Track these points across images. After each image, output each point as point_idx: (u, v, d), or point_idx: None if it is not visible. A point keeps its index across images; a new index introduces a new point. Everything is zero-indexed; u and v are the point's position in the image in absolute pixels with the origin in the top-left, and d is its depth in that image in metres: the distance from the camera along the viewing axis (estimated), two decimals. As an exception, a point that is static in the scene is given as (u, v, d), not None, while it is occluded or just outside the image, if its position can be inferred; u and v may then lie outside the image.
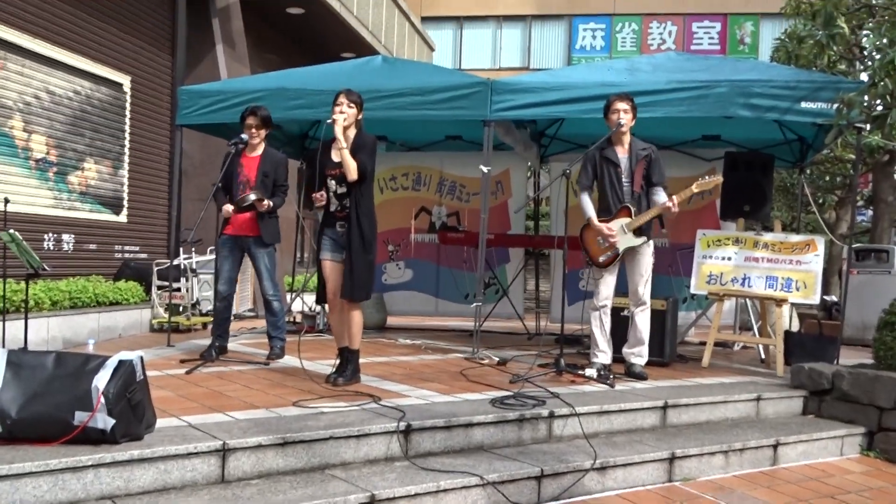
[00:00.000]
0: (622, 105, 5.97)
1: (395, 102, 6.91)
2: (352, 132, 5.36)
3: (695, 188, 6.00)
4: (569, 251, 6.17)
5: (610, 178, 6.05)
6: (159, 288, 9.12)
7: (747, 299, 7.64)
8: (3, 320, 6.61)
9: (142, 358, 3.91)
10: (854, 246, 9.61)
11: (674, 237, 8.72)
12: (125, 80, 10.11)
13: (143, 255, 10.39)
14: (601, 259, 6.06)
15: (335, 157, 5.34)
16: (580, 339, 7.57)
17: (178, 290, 9.14)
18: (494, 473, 4.03)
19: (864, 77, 8.27)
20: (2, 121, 8.29)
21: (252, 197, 6.20)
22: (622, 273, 6.16)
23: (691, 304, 8.65)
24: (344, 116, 5.28)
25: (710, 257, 7.04)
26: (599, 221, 6.01)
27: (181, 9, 10.96)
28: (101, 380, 3.69)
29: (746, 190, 7.35)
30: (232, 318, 6.97)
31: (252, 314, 10.91)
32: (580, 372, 5.82)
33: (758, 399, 5.59)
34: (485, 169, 6.83)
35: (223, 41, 11.75)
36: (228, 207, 6.30)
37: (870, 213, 13.04)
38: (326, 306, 5.67)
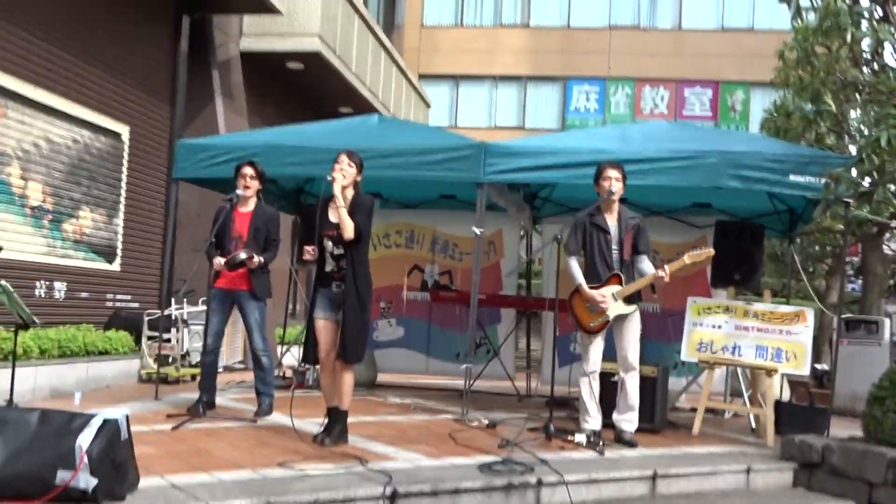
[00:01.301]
0: (614, 173, 6.02)
1: (391, 162, 6.95)
2: (350, 192, 5.38)
3: (686, 259, 6.02)
4: (560, 314, 6.17)
5: (599, 244, 6.07)
6: (149, 338, 9.05)
7: (737, 367, 7.61)
8: (-10, 369, 6.53)
9: (127, 417, 3.87)
10: (844, 316, 9.62)
11: (665, 302, 8.72)
12: (124, 130, 10.15)
13: (135, 305, 10.31)
14: (592, 325, 6.05)
15: (332, 217, 5.35)
16: (570, 403, 7.51)
17: (168, 340, 9.06)
18: (481, 543, 3.96)
19: (852, 149, 8.37)
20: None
21: (242, 255, 6.21)
22: (609, 338, 6.16)
23: (682, 370, 8.60)
24: (344, 175, 5.30)
25: (701, 325, 7.03)
26: (589, 288, 6.01)
27: (182, 61, 11.06)
28: (85, 438, 3.65)
29: (737, 258, 7.37)
30: (220, 370, 6.91)
31: (242, 366, 10.80)
32: (570, 438, 5.78)
33: (748, 471, 5.53)
34: (477, 231, 6.85)
35: (222, 93, 11.85)
36: (220, 260, 6.29)
37: (860, 281, 13.08)
38: (317, 366, 5.63)
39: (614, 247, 6.06)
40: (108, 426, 3.73)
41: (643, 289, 6.16)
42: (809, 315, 6.72)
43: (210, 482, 4.16)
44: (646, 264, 6.11)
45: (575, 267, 6.12)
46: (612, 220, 6.10)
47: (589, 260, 6.14)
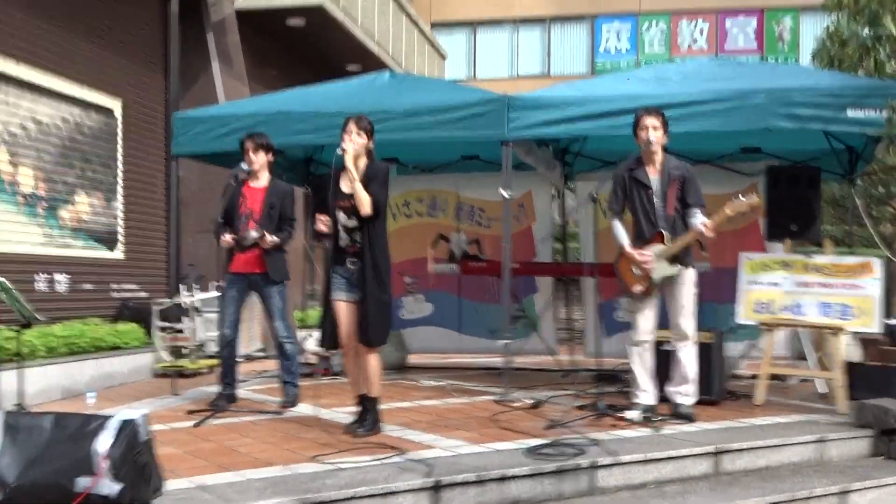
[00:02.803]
0: (652, 121, 5.96)
1: (406, 123, 6.95)
2: (362, 161, 5.39)
3: (728, 211, 5.92)
4: (601, 279, 6.15)
5: (641, 201, 6.04)
6: (161, 329, 9.16)
7: (801, 328, 7.58)
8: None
9: (146, 416, 3.93)
10: (914, 262, 9.51)
11: (716, 261, 8.66)
12: (116, 105, 10.21)
13: (143, 294, 10.44)
14: (637, 289, 6.04)
15: (345, 188, 5.37)
16: (620, 376, 7.54)
17: (181, 331, 9.17)
18: (533, 533, 4.01)
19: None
20: (-13, 155, 8.41)
21: (254, 234, 6.24)
22: (663, 303, 6.15)
23: (740, 334, 8.57)
24: (353, 146, 5.31)
25: (757, 283, 7.00)
26: (633, 248, 6.00)
27: (173, 25, 11.05)
28: (102, 442, 3.71)
29: (792, 207, 7.31)
30: (240, 360, 6.99)
31: (263, 354, 10.93)
32: (622, 414, 5.80)
33: (820, 441, 5.52)
34: (505, 194, 6.84)
35: (219, 58, 11.86)
36: (227, 237, 6.32)
37: (931, 223, 12.91)
38: (335, 350, 5.68)
39: (657, 202, 6.01)
40: (127, 427, 3.79)
41: (692, 246, 6.12)
42: (877, 265, 6.66)
43: (239, 482, 4.23)
44: (697, 218, 6.01)
45: (619, 227, 6.10)
46: (653, 173, 6.06)
47: (633, 218, 6.11)
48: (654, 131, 5.96)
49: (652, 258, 5.95)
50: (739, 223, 8.40)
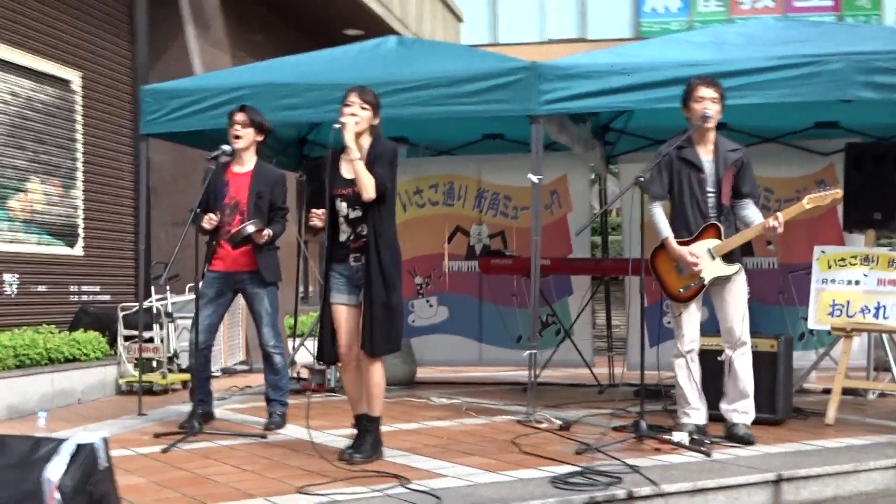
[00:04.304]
0: (708, 92, 5.96)
1: (417, 97, 6.97)
2: (366, 140, 5.41)
3: (806, 204, 5.96)
4: (648, 278, 6.16)
5: (691, 186, 6.04)
6: (127, 339, 9.22)
7: (883, 334, 7.55)
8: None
9: (105, 440, 3.96)
10: None
11: (784, 256, 8.65)
12: (74, 77, 10.28)
13: (106, 298, 10.51)
14: (681, 291, 6.05)
15: (346, 172, 5.39)
16: (667, 392, 7.52)
17: (151, 340, 9.23)
18: (559, 576, 4.02)
19: None
20: (-76, 136, 8.51)
21: (250, 228, 6.26)
22: (708, 303, 6.15)
23: (810, 342, 8.56)
24: (356, 120, 5.32)
25: (833, 281, 6.98)
26: (678, 244, 6.00)
27: (140, -19, 11.12)
28: (54, 470, 3.73)
29: (876, 192, 7.29)
30: (217, 373, 7.03)
31: (245, 368, 10.99)
32: (667, 437, 5.80)
33: (900, 466, 5.52)
34: (535, 178, 6.85)
35: (195, 22, 11.90)
36: (212, 216, 6.34)
37: None
38: (334, 364, 5.71)
39: (710, 189, 6.02)
40: (83, 453, 3.81)
41: (753, 241, 6.13)
42: (975, 261, 6.64)
43: (213, 516, 4.27)
44: (751, 210, 6.06)
45: (660, 216, 6.10)
46: (706, 154, 6.06)
47: (678, 207, 6.11)
48: (711, 104, 5.96)
49: (703, 256, 5.95)
50: (813, 212, 8.38)
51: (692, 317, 6.07)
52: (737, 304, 6.04)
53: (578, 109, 7.18)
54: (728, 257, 5.99)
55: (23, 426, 6.91)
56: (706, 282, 6.00)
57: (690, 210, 6.05)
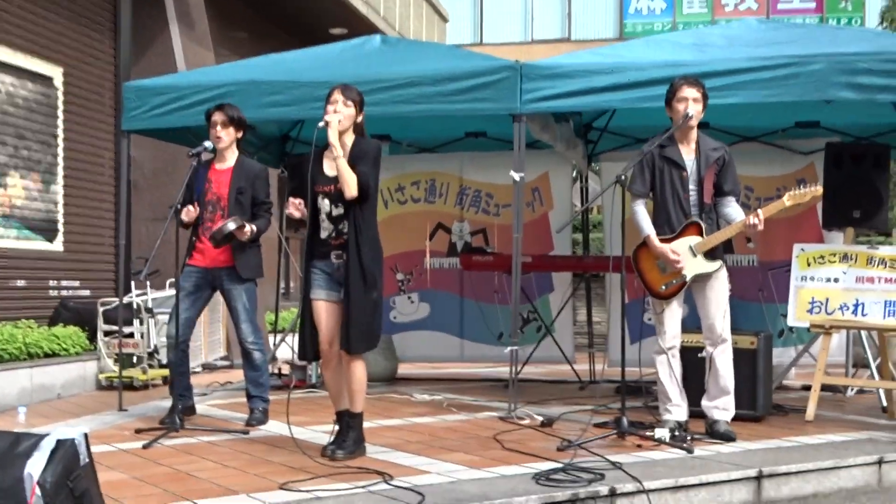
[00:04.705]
0: (691, 92, 5.97)
1: (400, 95, 6.97)
2: (349, 138, 5.40)
3: (787, 201, 6.00)
4: (628, 275, 6.18)
5: (672, 184, 6.06)
6: (107, 334, 9.17)
7: (862, 331, 7.59)
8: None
9: (86, 435, 3.92)
10: None
11: (764, 254, 8.68)
12: (56, 73, 10.20)
13: (86, 293, 10.44)
14: (662, 288, 6.07)
15: (329, 169, 5.37)
16: (648, 389, 7.54)
17: (131, 335, 9.18)
18: (542, 572, 4.01)
19: None
20: None
21: (231, 225, 6.21)
22: (691, 302, 6.15)
23: (790, 339, 8.60)
24: (339, 117, 5.31)
25: (812, 279, 7.01)
26: (660, 241, 6.01)
27: (124, -21, 11.06)
28: (35, 466, 3.70)
29: (855, 190, 7.35)
30: (198, 369, 6.99)
31: (226, 363, 10.94)
32: (648, 433, 5.80)
33: (880, 462, 5.54)
34: (516, 176, 6.85)
35: (179, 19, 11.85)
36: (191, 208, 6.29)
37: None
38: (315, 361, 5.69)
39: (692, 187, 6.05)
40: (64, 448, 3.78)
41: (733, 239, 6.15)
42: (953, 260, 6.67)
43: (195, 512, 4.24)
44: (733, 208, 6.10)
45: (642, 214, 6.12)
46: (688, 153, 6.08)
47: (660, 204, 6.13)
48: (694, 104, 5.98)
49: (684, 254, 5.96)
50: (793, 210, 8.42)
51: (674, 314, 6.09)
52: (718, 301, 6.06)
53: (561, 108, 7.21)
54: (709, 254, 6.01)
55: (2, 421, 6.85)
56: (688, 279, 6.02)
57: (672, 208, 6.06)
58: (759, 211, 5.94)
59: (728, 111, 7.28)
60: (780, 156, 8.82)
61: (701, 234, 6.00)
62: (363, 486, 4.65)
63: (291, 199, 5.37)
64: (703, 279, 6.05)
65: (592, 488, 4.66)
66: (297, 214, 5.37)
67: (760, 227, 5.92)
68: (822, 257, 7.05)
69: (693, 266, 6.00)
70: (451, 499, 4.44)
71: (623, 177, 5.86)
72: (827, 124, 8.60)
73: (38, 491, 3.66)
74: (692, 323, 6.48)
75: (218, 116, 6.50)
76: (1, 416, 7.26)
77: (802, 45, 6.73)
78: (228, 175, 6.53)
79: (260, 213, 6.57)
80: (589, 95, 6.79)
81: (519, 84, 6.79)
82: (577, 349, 9.81)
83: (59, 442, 3.79)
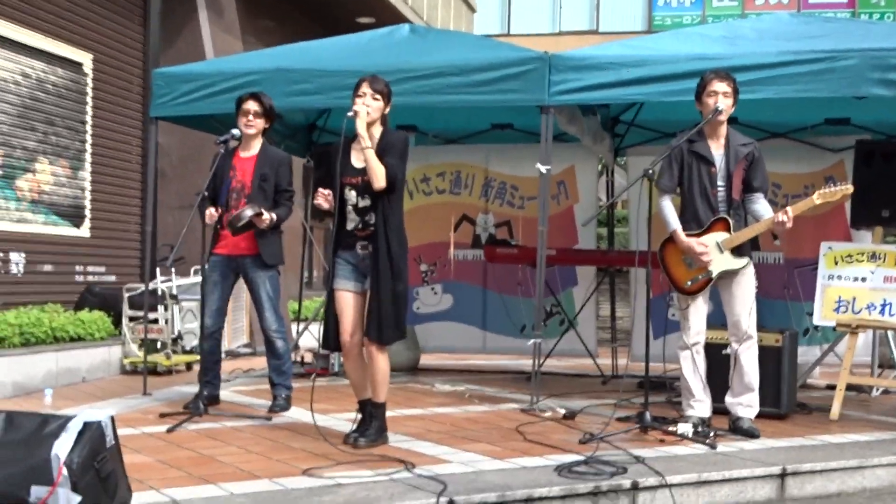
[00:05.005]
0: (721, 86, 5.94)
1: (428, 85, 6.97)
2: (377, 129, 5.41)
3: (816, 199, 5.97)
4: (654, 270, 6.16)
5: (701, 180, 6.04)
6: (131, 319, 9.23)
7: (889, 331, 7.55)
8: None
9: (112, 418, 3.97)
10: None
11: (790, 251, 8.64)
12: (86, 59, 10.26)
13: (111, 278, 10.52)
14: (689, 284, 6.05)
15: (357, 161, 5.39)
16: (671, 384, 7.53)
17: (156, 321, 9.24)
18: (563, 564, 4.02)
19: None
20: (-65, 113, 8.50)
21: (248, 212, 6.23)
22: (716, 299, 6.13)
23: (815, 338, 8.56)
24: (368, 109, 5.32)
25: (839, 277, 6.98)
26: (687, 236, 5.99)
27: (154, -35, 11.12)
28: (62, 447, 3.74)
29: (885, 189, 7.31)
30: (223, 356, 7.03)
31: (249, 351, 10.99)
32: (671, 428, 5.80)
33: (905, 463, 5.51)
34: (543, 168, 6.84)
35: (207, 6, 11.89)
36: (212, 212, 6.35)
37: None
38: (339, 351, 5.71)
39: (720, 183, 6.02)
40: (90, 430, 3.82)
41: (760, 236, 6.12)
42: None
43: (218, 496, 4.27)
44: (761, 205, 6.06)
45: (669, 209, 6.10)
46: (717, 148, 6.06)
47: (688, 200, 6.11)
48: (724, 98, 5.95)
49: (711, 249, 5.95)
50: (821, 207, 8.37)
51: (699, 310, 6.07)
52: (744, 299, 6.04)
53: (589, 101, 7.20)
54: (736, 251, 5.98)
55: (28, 403, 6.92)
56: (714, 275, 6.00)
57: (700, 203, 6.04)
58: (788, 208, 5.91)
59: (757, 106, 7.24)
60: (809, 153, 8.77)
61: (728, 231, 5.98)
62: (385, 474, 4.68)
63: (321, 191, 5.39)
64: (729, 276, 6.03)
65: (615, 481, 4.67)
66: (325, 206, 5.39)
67: (789, 225, 5.90)
68: (850, 256, 7.02)
69: (720, 262, 5.98)
70: (472, 489, 4.45)
71: (651, 171, 5.85)
72: (857, 121, 8.53)
73: (64, 471, 3.70)
74: (717, 319, 6.45)
75: (252, 105, 6.52)
76: (27, 398, 7.33)
77: (835, 40, 6.67)
78: (252, 163, 6.56)
79: (282, 200, 6.59)
80: (617, 88, 6.78)
81: (547, 75, 6.79)
82: (600, 344, 9.80)
83: (85, 424, 3.83)
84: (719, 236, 5.98)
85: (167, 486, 4.43)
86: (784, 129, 8.75)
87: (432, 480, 4.56)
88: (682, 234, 6.02)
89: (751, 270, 6.09)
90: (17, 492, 3.71)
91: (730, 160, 6.02)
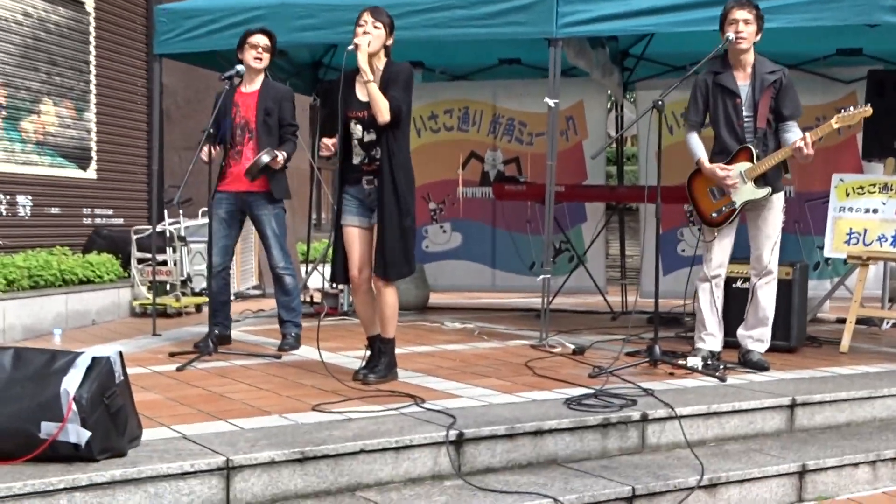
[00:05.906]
0: (741, 14, 5.82)
1: (433, 18, 6.88)
2: (380, 62, 5.35)
3: (834, 123, 5.85)
4: (663, 206, 6.12)
5: (726, 111, 5.97)
6: (140, 261, 9.27)
7: (899, 263, 7.55)
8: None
9: (121, 354, 3.97)
10: None
11: (801, 184, 8.60)
12: (88, -3, 10.21)
13: (119, 221, 10.55)
14: (713, 215, 6.02)
15: (361, 94, 5.34)
16: (680, 319, 7.54)
17: (164, 263, 9.27)
18: (572, 494, 4.04)
19: None
20: (-64, 55, 8.46)
21: (266, 158, 6.23)
22: (741, 233, 6.11)
23: (825, 272, 8.55)
24: (369, 38, 5.26)
25: (851, 209, 6.95)
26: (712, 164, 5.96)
27: None
28: (71, 382, 3.75)
29: (897, 120, 7.23)
30: (232, 298, 7.05)
31: (258, 293, 11.04)
32: (681, 361, 5.80)
33: (914, 393, 5.53)
34: (551, 102, 6.78)
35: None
36: (205, 152, 6.31)
37: None
38: (347, 284, 5.72)
39: (746, 113, 5.94)
40: (99, 366, 3.83)
41: (780, 170, 6.06)
42: None
43: (229, 432, 4.29)
44: (793, 132, 5.93)
45: (695, 140, 6.05)
46: (743, 79, 5.96)
47: (716, 133, 6.06)
48: (745, 26, 5.84)
49: (735, 179, 5.89)
50: (832, 139, 8.32)
51: (723, 242, 6.04)
52: (768, 233, 6.00)
53: (599, 32, 7.12)
54: (760, 181, 5.92)
55: (38, 345, 6.96)
56: (738, 205, 5.95)
57: (727, 135, 5.98)
58: (807, 134, 5.79)
59: (767, 37, 7.13)
60: (821, 84, 8.69)
61: (752, 160, 5.91)
62: (395, 409, 4.69)
63: (324, 141, 5.36)
64: (756, 208, 5.97)
65: (624, 413, 4.68)
66: (329, 155, 5.37)
67: (808, 151, 5.76)
68: (862, 188, 6.98)
69: (743, 192, 5.92)
70: (482, 422, 4.46)
71: (660, 101, 5.77)
72: (870, 51, 8.45)
73: (74, 407, 3.71)
74: (736, 253, 6.43)
75: (262, 39, 6.48)
76: (37, 340, 7.38)
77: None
78: (255, 98, 6.52)
79: (286, 135, 6.56)
80: (628, 19, 6.68)
81: (555, 7, 6.68)
82: (609, 283, 9.81)
83: (94, 360, 3.83)
84: (743, 166, 5.92)
85: (177, 422, 4.45)
86: (795, 61, 8.65)
87: (442, 414, 4.57)
88: (705, 161, 5.97)
89: (779, 204, 6.02)
90: (27, 427, 3.72)
91: (755, 89, 5.93)
